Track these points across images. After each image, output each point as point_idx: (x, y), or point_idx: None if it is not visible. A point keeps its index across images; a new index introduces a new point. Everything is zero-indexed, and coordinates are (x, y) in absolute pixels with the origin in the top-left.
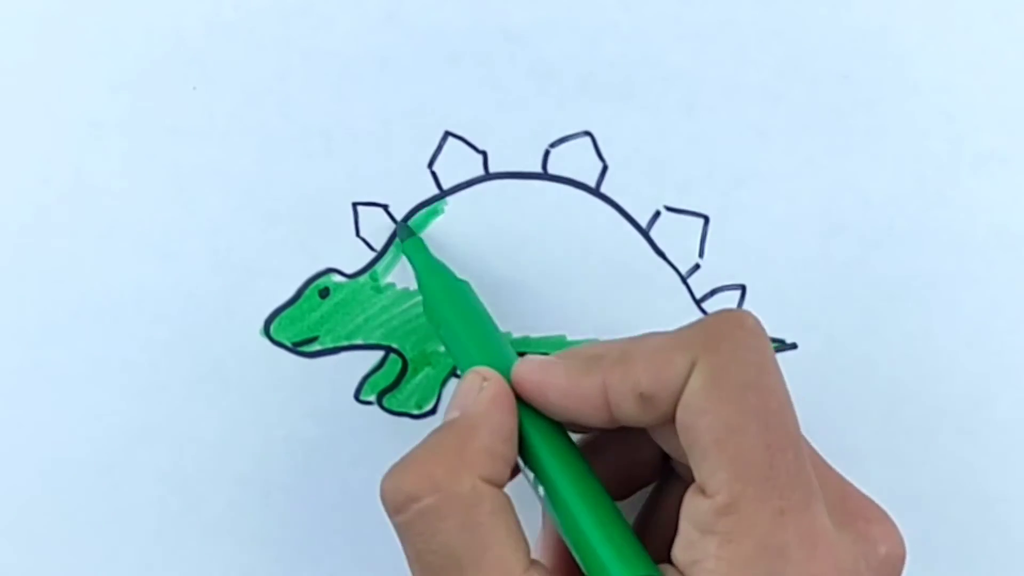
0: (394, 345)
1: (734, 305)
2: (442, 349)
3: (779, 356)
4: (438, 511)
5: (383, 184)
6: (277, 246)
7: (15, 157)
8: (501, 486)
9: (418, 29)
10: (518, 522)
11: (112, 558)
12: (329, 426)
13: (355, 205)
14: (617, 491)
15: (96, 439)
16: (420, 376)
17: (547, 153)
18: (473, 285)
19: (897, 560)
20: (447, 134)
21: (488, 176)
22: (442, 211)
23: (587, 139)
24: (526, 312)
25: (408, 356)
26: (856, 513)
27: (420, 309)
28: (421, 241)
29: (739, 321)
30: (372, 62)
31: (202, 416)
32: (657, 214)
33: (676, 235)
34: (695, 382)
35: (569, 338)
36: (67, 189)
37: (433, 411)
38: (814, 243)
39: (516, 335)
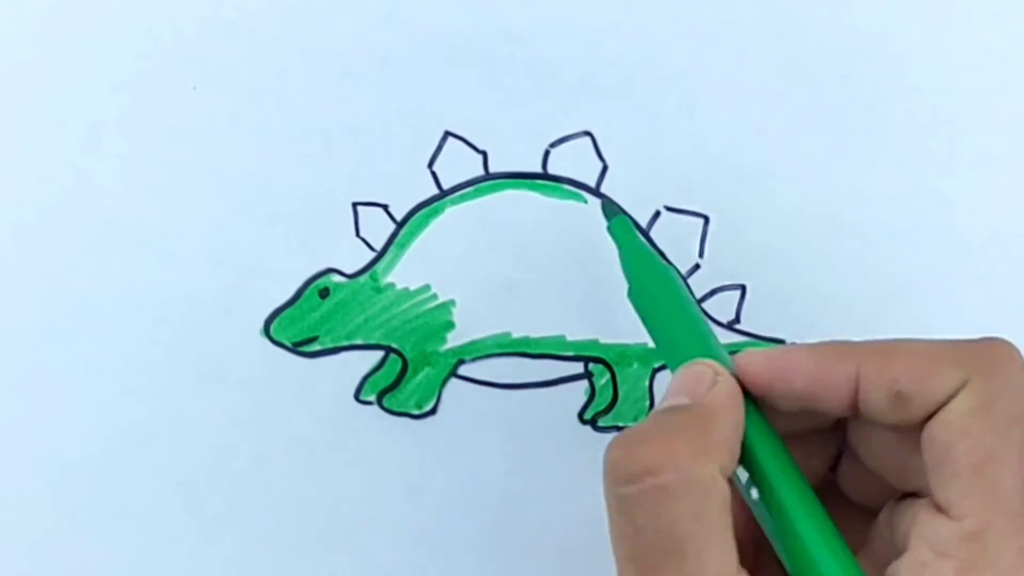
0: (394, 345)
1: (734, 305)
2: (442, 349)
3: None
4: (674, 491)
5: (383, 184)
6: (277, 246)
7: (15, 157)
8: (728, 483)
9: (418, 29)
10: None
11: (112, 558)
12: (329, 426)
13: (355, 205)
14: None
15: (96, 439)
16: (420, 376)
17: (547, 153)
18: (473, 285)
19: None
20: (447, 134)
21: (488, 176)
22: (441, 211)
23: (587, 139)
24: (526, 312)
25: (408, 356)
26: None
27: (420, 309)
28: (628, 222)
29: (1011, 353)
30: (372, 62)
31: (202, 416)
32: (657, 214)
33: (676, 235)
34: (963, 402)
35: (569, 338)
36: (67, 189)
37: (433, 411)
38: (814, 243)
39: (516, 335)
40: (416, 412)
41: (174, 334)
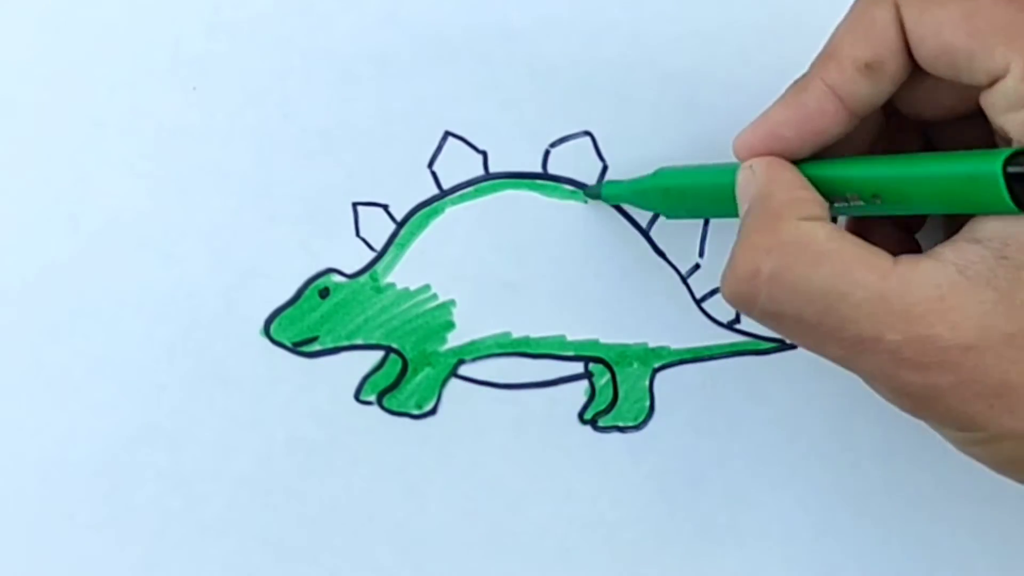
0: (394, 345)
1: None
2: (442, 349)
3: (779, 356)
4: (782, 266)
5: (383, 184)
6: (277, 246)
7: (15, 157)
8: (824, 220)
9: (418, 29)
10: (858, 238)
11: (112, 558)
12: (329, 426)
13: (355, 205)
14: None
15: (96, 439)
16: (420, 376)
17: (547, 153)
18: (473, 285)
19: None
20: (447, 134)
21: (488, 176)
22: (442, 211)
23: (587, 139)
24: (526, 312)
25: (408, 356)
26: None
27: (420, 309)
28: (606, 185)
29: None
30: (372, 62)
31: (202, 416)
32: (657, 214)
33: (676, 235)
34: (908, 14)
35: (569, 338)
36: (67, 189)
37: (433, 411)
38: None
39: (516, 335)
40: (416, 412)
41: (174, 334)
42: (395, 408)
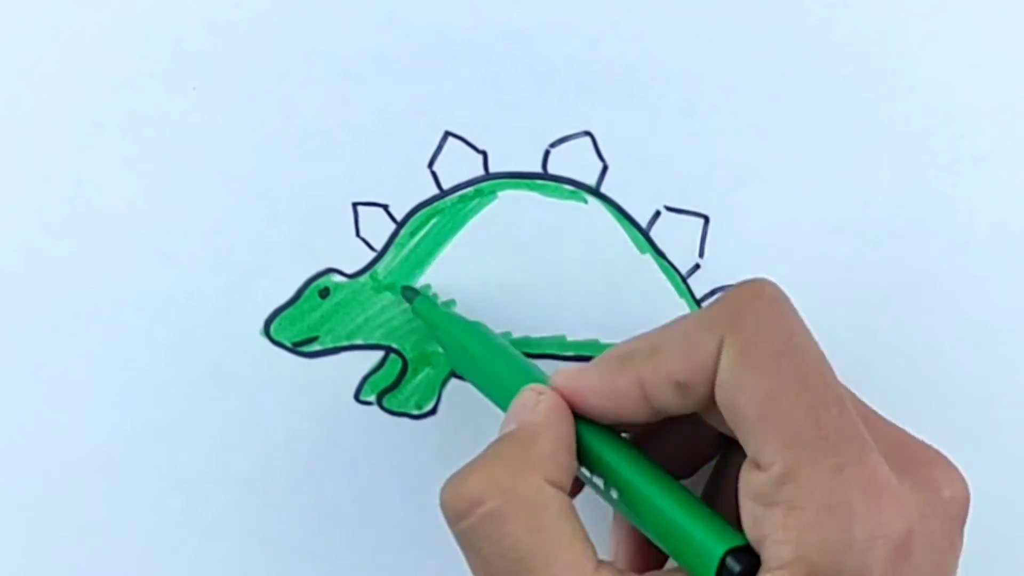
0: (394, 345)
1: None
2: (442, 349)
3: None
4: (504, 513)
5: (383, 184)
6: (277, 246)
7: (15, 157)
8: (564, 492)
9: (418, 29)
10: (582, 524)
11: (112, 558)
12: (329, 426)
13: (355, 205)
14: (680, 471)
15: (96, 439)
16: (420, 376)
17: (547, 153)
18: (473, 285)
19: (962, 502)
20: (447, 134)
21: (488, 176)
22: (442, 211)
23: (587, 139)
24: (526, 312)
25: (408, 356)
26: (915, 459)
27: None
28: (428, 298)
29: (757, 291)
30: (372, 62)
31: (202, 416)
32: (657, 214)
33: (676, 235)
34: (725, 361)
35: (569, 338)
36: (67, 189)
37: (433, 411)
38: (814, 243)
39: (516, 335)
40: (416, 412)
41: (174, 334)
42: (395, 408)
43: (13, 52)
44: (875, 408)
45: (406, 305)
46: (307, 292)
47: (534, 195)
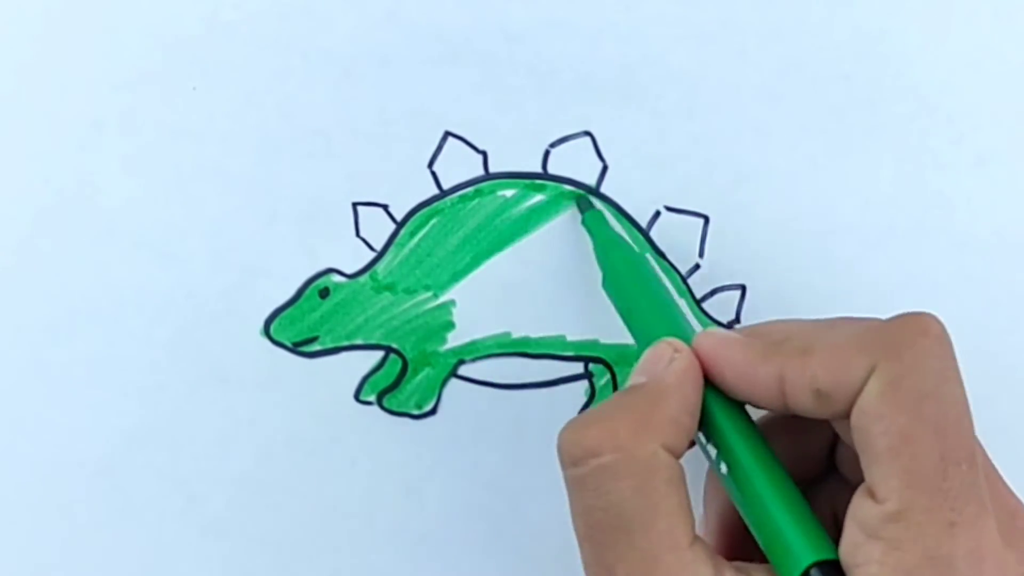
0: (394, 345)
1: (734, 305)
2: (442, 349)
3: None
4: (616, 470)
5: (383, 184)
6: (277, 246)
7: (15, 157)
8: (678, 457)
9: (418, 29)
10: (688, 496)
11: (112, 558)
12: (329, 426)
13: (355, 205)
14: (794, 468)
15: (96, 439)
16: (420, 376)
17: (547, 153)
18: (473, 285)
19: None
20: (447, 134)
21: (488, 176)
22: (442, 211)
23: (587, 139)
24: (526, 312)
25: (408, 356)
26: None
27: (420, 309)
28: (602, 214)
29: (924, 327)
30: (372, 62)
31: (202, 416)
32: (657, 214)
33: (676, 235)
34: (873, 387)
35: (569, 338)
36: (67, 189)
37: (433, 411)
38: (814, 243)
39: (516, 335)
40: (416, 412)
41: (174, 334)
42: (395, 408)
43: (13, 52)
44: None
45: (406, 305)
46: (307, 292)
47: (534, 195)
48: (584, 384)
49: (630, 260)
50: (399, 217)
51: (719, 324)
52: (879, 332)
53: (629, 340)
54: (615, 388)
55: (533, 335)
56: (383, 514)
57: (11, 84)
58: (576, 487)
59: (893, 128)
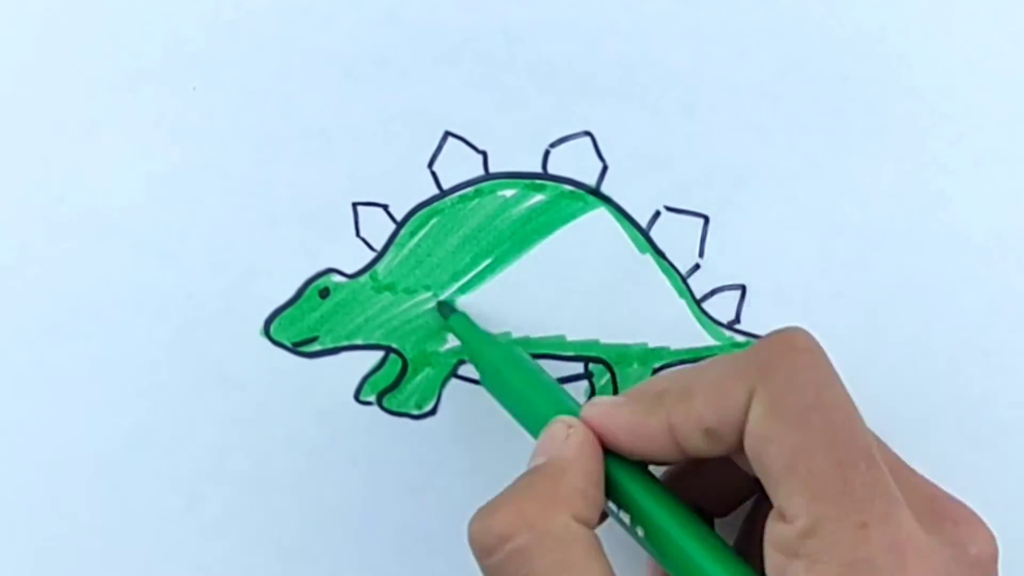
0: (394, 345)
1: (734, 305)
2: (442, 349)
3: None
4: (532, 550)
5: (383, 184)
6: (277, 246)
7: (15, 157)
8: (591, 528)
9: (418, 29)
10: (609, 564)
11: (112, 558)
12: (329, 426)
13: (355, 205)
14: (716, 510)
15: (96, 439)
16: (420, 376)
17: (547, 153)
18: (475, 285)
19: (989, 559)
20: (447, 134)
21: (488, 176)
22: (442, 211)
23: (587, 139)
24: (526, 312)
25: (408, 356)
26: (943, 515)
27: (420, 309)
28: (466, 316)
29: (791, 342)
30: (372, 62)
31: (202, 416)
32: (657, 214)
33: (676, 235)
34: (755, 412)
35: (569, 338)
36: (67, 189)
37: (433, 411)
38: (814, 243)
39: (516, 335)
40: (416, 412)
41: (174, 334)
42: (395, 408)
43: (13, 52)
44: (875, 408)
45: (406, 305)
46: (307, 292)
47: (535, 195)
48: (584, 384)
49: (503, 353)
50: (399, 217)
51: (719, 324)
52: (750, 358)
53: (629, 340)
54: (615, 388)
55: (533, 335)
56: (383, 514)
57: (11, 84)
58: (497, 570)
59: (893, 128)
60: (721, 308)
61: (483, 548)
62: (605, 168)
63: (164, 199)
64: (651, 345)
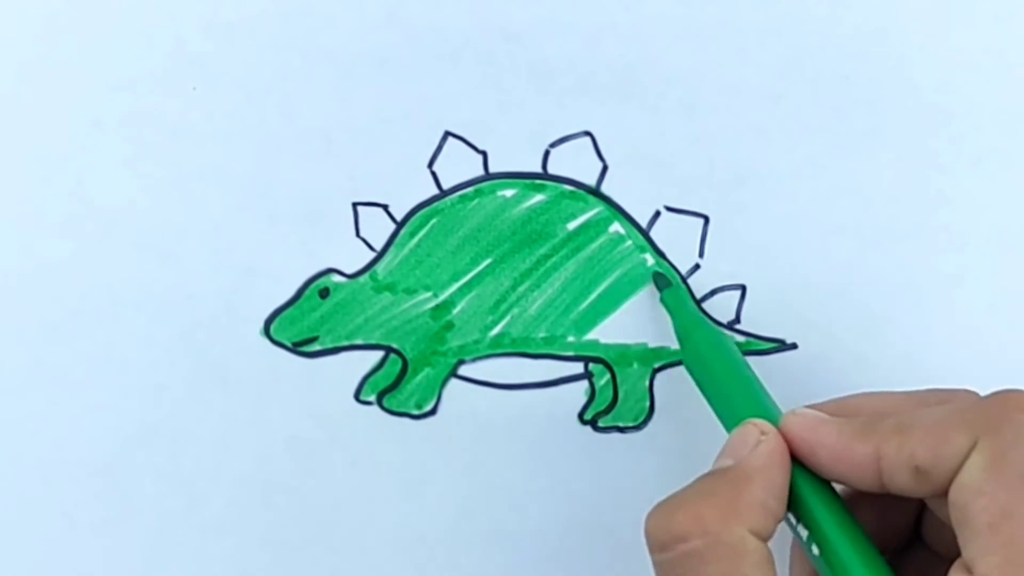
0: (394, 345)
1: (734, 305)
2: (442, 349)
3: (779, 356)
4: (704, 555)
5: (383, 184)
6: (277, 246)
7: (15, 157)
8: (766, 541)
9: (418, 29)
10: None
11: (112, 558)
12: (329, 426)
13: (355, 205)
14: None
15: (96, 439)
16: (420, 376)
17: (547, 153)
18: (475, 285)
19: None
20: (447, 134)
21: (488, 176)
22: (442, 211)
23: (587, 139)
24: (527, 312)
25: (408, 356)
26: None
27: (420, 309)
28: (682, 292)
29: (1021, 404)
30: (372, 62)
31: (202, 416)
32: (657, 214)
33: (676, 235)
34: (974, 463)
35: (569, 338)
36: (67, 189)
37: (433, 411)
38: (814, 243)
39: (516, 335)
40: (416, 412)
41: (174, 334)
42: (395, 408)
43: (13, 52)
44: None
45: (406, 305)
46: (307, 292)
47: (534, 195)
48: (584, 384)
49: (711, 339)
50: (399, 217)
51: (719, 324)
52: (977, 409)
53: (629, 340)
54: (615, 388)
55: (533, 335)
56: (383, 514)
57: (11, 84)
58: (664, 572)
59: (893, 128)
60: (721, 308)
61: (657, 543)
62: (605, 168)
63: (164, 199)
64: (651, 345)
